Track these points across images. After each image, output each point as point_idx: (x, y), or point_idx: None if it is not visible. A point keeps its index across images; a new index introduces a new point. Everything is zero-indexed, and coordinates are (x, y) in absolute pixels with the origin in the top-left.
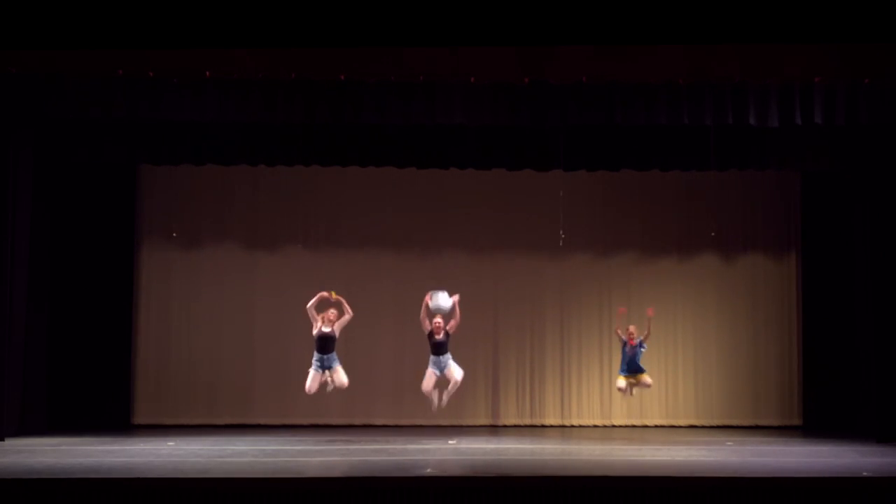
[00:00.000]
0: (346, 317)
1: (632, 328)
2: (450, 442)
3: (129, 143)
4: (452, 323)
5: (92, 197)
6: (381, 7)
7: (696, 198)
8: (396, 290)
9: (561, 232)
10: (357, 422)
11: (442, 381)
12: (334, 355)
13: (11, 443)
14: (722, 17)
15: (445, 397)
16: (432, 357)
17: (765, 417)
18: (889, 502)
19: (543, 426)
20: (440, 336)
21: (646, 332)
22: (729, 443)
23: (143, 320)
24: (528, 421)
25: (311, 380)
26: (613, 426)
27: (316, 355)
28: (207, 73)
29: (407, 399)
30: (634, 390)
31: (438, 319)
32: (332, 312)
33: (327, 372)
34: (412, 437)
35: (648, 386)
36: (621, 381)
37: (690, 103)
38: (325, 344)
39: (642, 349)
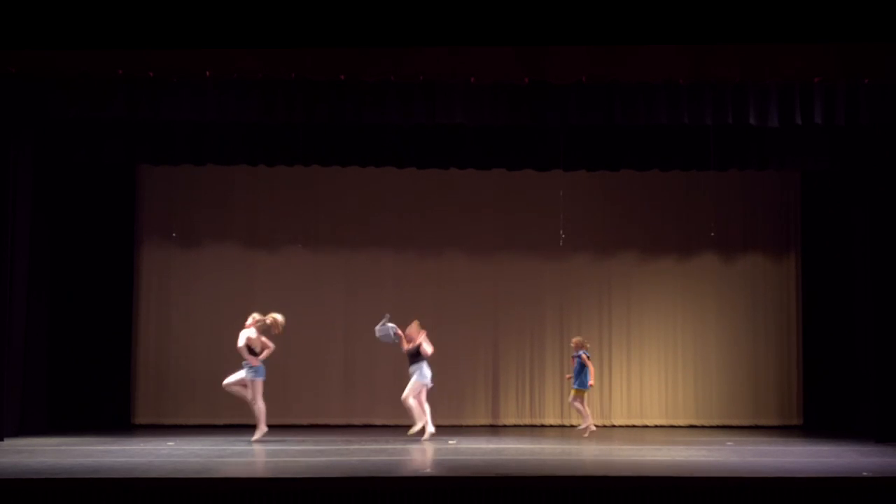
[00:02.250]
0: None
1: (575, 339)
2: (450, 442)
3: (129, 143)
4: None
5: (92, 197)
6: (380, 7)
7: (696, 198)
8: (396, 291)
9: (561, 232)
10: (357, 422)
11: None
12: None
13: (11, 443)
14: (722, 17)
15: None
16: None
17: (765, 417)
18: (889, 502)
19: (543, 426)
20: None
21: None
22: (729, 443)
23: (143, 320)
24: (528, 421)
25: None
26: (613, 426)
27: None
28: (207, 73)
29: None
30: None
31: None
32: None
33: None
34: (412, 437)
35: (589, 423)
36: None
37: (690, 103)
38: None
39: (583, 358)
